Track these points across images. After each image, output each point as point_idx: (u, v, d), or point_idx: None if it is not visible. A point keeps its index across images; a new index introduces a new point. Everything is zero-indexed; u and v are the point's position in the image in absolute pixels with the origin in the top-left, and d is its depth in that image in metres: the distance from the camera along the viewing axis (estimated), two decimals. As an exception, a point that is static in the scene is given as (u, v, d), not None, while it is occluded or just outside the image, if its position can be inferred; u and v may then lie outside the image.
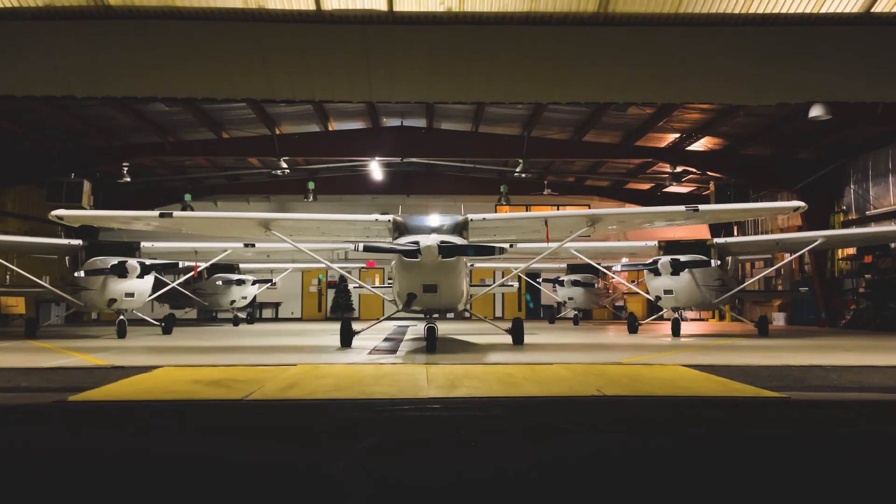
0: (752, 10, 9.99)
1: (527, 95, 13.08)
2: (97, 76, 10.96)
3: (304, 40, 10.48)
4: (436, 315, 12.10)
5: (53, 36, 10.25)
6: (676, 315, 16.51)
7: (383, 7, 9.98)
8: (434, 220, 12.64)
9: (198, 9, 9.95)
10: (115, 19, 9.99)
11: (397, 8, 9.99)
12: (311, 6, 9.96)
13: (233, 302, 23.13)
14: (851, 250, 22.08)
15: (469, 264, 13.85)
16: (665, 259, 15.71)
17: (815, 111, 17.17)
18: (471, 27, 10.18)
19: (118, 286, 15.35)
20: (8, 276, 22.03)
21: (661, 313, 19.32)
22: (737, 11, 9.99)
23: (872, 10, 9.87)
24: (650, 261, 16.25)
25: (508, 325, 13.39)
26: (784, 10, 10.00)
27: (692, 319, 28.57)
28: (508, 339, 13.15)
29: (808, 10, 9.97)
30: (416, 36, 10.38)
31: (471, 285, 13.59)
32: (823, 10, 9.95)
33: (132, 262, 15.24)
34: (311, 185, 27.44)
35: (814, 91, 11.62)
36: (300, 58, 10.83)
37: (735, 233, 27.97)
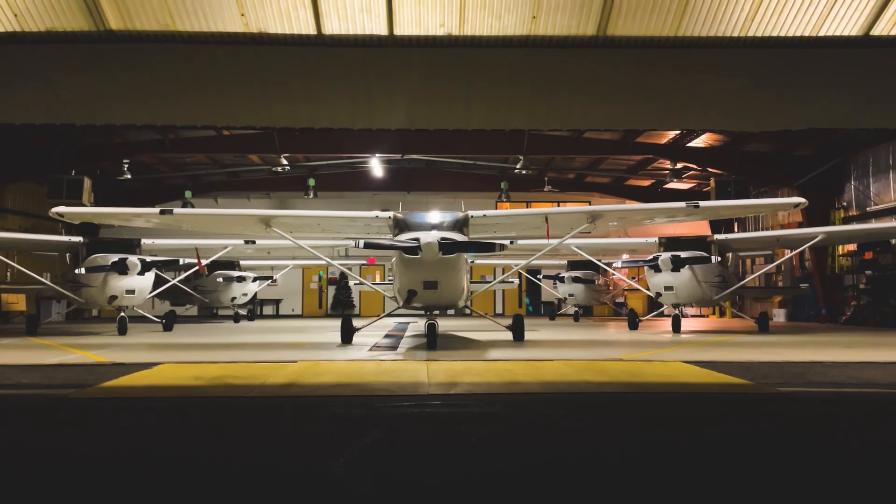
0: (751, 33, 9.91)
1: (526, 123, 13.09)
2: (96, 104, 10.88)
3: (304, 65, 10.41)
4: (436, 312, 12.10)
5: (54, 62, 10.13)
6: (677, 311, 16.51)
7: (384, 31, 9.94)
8: (434, 216, 12.64)
9: (199, 33, 9.86)
10: (116, 43, 9.88)
11: (397, 31, 9.94)
12: (312, 30, 9.90)
13: (233, 299, 23.11)
14: (852, 246, 22.06)
15: (469, 261, 13.85)
16: (665, 255, 15.71)
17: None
18: (470, 50, 10.15)
19: (119, 283, 15.37)
20: (9, 273, 22.03)
21: (661, 310, 19.30)
22: (736, 34, 9.91)
23: (871, 33, 9.83)
24: (650, 257, 16.24)
25: (509, 321, 13.40)
26: (783, 33, 9.92)
27: (692, 316, 28.56)
28: (509, 335, 13.16)
29: (807, 33, 9.92)
30: (416, 59, 10.33)
31: (471, 282, 13.58)
32: (823, 33, 9.90)
33: (133, 259, 15.24)
34: (312, 182, 27.41)
35: (815, 117, 11.54)
36: (301, 83, 10.76)
37: (735, 229, 27.95)
